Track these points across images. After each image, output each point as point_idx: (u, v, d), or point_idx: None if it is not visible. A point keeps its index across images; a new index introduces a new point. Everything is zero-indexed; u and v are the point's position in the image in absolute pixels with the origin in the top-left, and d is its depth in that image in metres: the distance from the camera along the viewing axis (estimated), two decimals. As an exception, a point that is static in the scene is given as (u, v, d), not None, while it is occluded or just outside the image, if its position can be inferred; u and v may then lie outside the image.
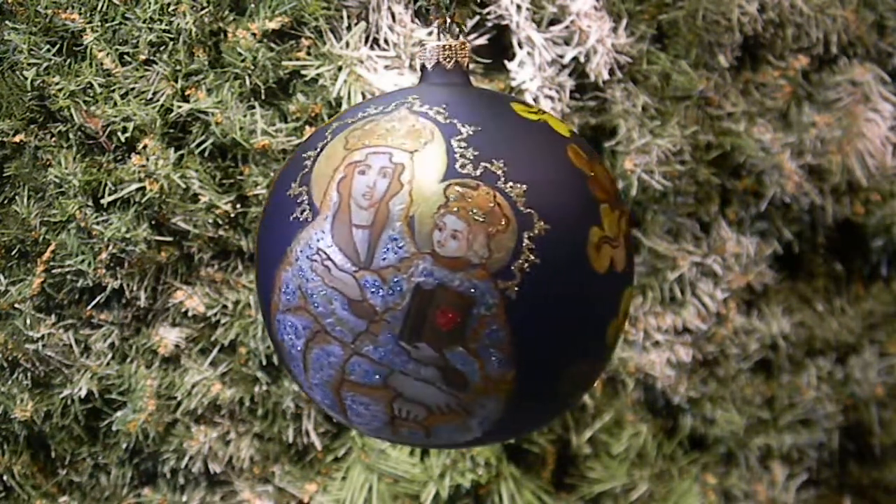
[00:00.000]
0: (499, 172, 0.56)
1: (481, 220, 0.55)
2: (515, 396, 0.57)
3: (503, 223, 0.55)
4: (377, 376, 0.57)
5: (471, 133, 0.57)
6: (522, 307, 0.55)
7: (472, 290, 0.54)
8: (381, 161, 0.57)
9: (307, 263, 0.57)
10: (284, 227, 0.58)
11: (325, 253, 0.56)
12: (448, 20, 0.63)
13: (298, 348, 0.58)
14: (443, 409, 0.58)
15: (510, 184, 0.55)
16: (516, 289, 0.55)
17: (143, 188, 0.79)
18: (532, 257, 0.55)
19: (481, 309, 0.55)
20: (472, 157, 0.56)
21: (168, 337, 0.83)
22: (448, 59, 0.63)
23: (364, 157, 0.57)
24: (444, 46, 0.63)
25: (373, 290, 0.55)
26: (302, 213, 0.58)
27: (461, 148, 0.57)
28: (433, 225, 0.55)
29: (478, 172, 0.56)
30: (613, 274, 0.57)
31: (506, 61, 0.82)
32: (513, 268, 0.54)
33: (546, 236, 0.55)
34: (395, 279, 0.55)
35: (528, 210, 0.55)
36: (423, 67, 0.64)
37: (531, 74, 0.81)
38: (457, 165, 0.56)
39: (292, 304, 0.58)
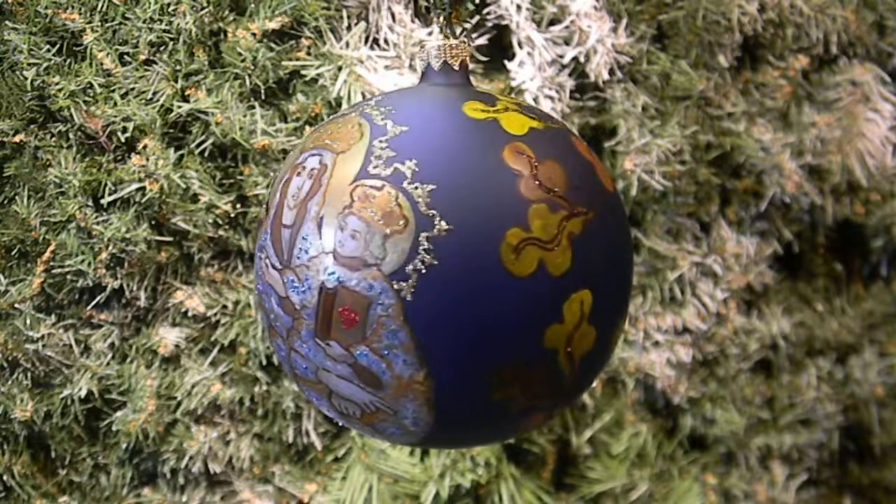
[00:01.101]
0: (408, 173, 0.55)
1: (379, 220, 0.55)
2: (439, 399, 0.57)
3: (401, 224, 0.54)
4: (310, 372, 0.59)
5: (396, 133, 0.57)
6: (420, 308, 0.54)
7: (369, 290, 0.55)
8: (313, 162, 0.59)
9: (258, 261, 0.61)
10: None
11: (266, 251, 0.59)
12: (447, 19, 0.63)
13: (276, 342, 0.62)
14: (370, 407, 0.58)
15: (416, 185, 0.55)
16: (412, 290, 0.54)
17: (143, 188, 0.79)
18: (429, 258, 0.54)
19: (378, 309, 0.55)
20: (385, 158, 0.56)
21: (168, 337, 0.83)
22: (447, 59, 0.63)
23: (304, 158, 0.59)
24: (442, 46, 0.63)
25: (292, 288, 0.57)
26: (262, 213, 0.61)
27: (380, 149, 0.57)
28: (337, 225, 0.56)
29: (387, 173, 0.56)
30: (545, 278, 0.54)
31: (506, 61, 0.82)
32: (407, 269, 0.54)
33: (446, 237, 0.54)
34: (306, 278, 0.56)
35: (431, 211, 0.54)
36: (423, 67, 0.64)
37: (531, 74, 0.81)
38: (370, 166, 0.56)
39: (260, 300, 0.62)
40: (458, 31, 0.64)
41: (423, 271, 0.54)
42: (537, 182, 0.55)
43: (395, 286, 0.54)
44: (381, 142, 0.57)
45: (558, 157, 0.57)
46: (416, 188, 0.55)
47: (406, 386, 0.56)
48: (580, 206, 0.56)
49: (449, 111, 0.59)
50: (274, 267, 0.58)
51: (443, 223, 0.54)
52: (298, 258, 0.57)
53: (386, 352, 0.56)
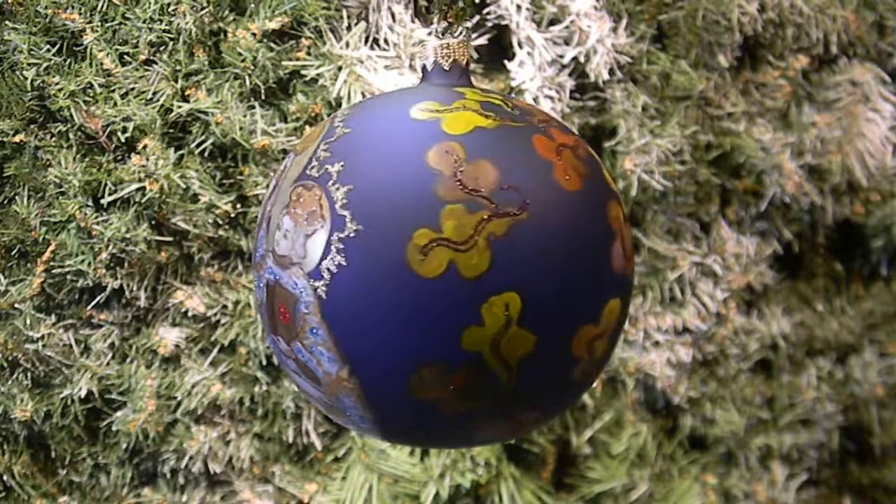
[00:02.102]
0: (334, 174, 0.56)
1: (304, 220, 0.56)
2: (369, 397, 0.57)
3: (319, 224, 0.56)
4: (283, 365, 0.61)
5: (339, 135, 0.58)
6: (335, 307, 0.55)
7: (295, 288, 0.56)
8: (284, 164, 0.61)
9: None
10: None
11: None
12: (443, 18, 0.63)
13: None
14: (324, 402, 0.60)
15: (337, 185, 0.56)
16: (325, 289, 0.55)
17: (143, 188, 0.79)
18: (339, 258, 0.55)
19: (302, 307, 0.56)
20: (322, 160, 0.57)
21: (168, 337, 0.83)
22: (445, 58, 0.63)
23: (286, 160, 0.62)
24: (441, 46, 0.63)
25: (256, 286, 0.61)
26: None
27: (322, 150, 0.58)
28: (276, 224, 0.58)
29: (318, 174, 0.57)
30: (456, 279, 0.53)
31: (506, 61, 0.82)
32: (321, 268, 0.55)
33: (356, 238, 0.54)
34: (259, 276, 0.59)
35: (345, 212, 0.55)
36: (423, 67, 0.64)
37: (531, 74, 0.81)
38: (309, 168, 0.58)
39: None
40: (456, 30, 0.64)
41: (335, 271, 0.55)
42: (458, 182, 0.54)
43: (313, 285, 0.56)
44: (325, 144, 0.58)
45: (497, 156, 0.55)
46: (337, 189, 0.56)
47: (337, 383, 0.57)
48: (509, 207, 0.54)
49: (398, 112, 0.59)
50: (252, 265, 0.61)
51: (353, 224, 0.55)
52: (257, 257, 0.60)
53: (313, 348, 0.57)
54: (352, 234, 0.55)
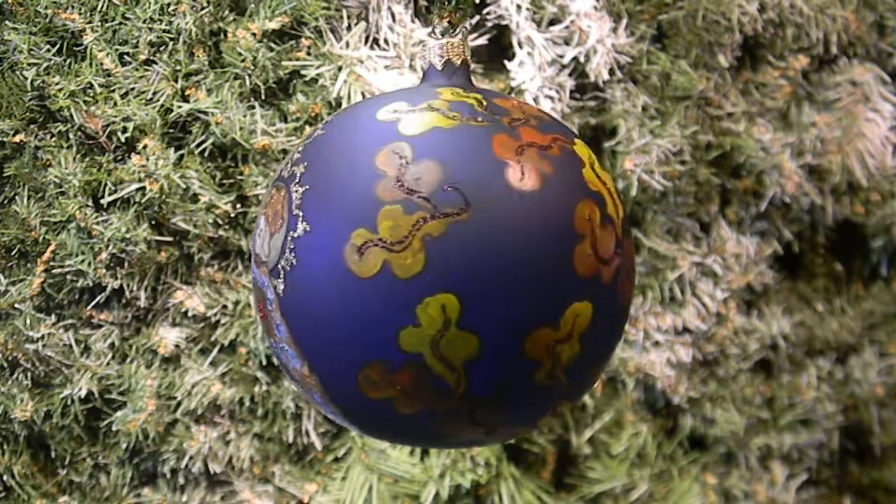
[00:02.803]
0: (298, 175, 0.58)
1: (270, 219, 0.58)
2: (331, 393, 0.58)
3: (279, 224, 0.57)
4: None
5: (314, 137, 0.60)
6: (290, 304, 0.57)
7: (263, 286, 0.58)
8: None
9: None
10: None
11: None
12: (440, 17, 0.63)
13: None
14: (304, 395, 0.62)
15: (297, 186, 0.57)
16: (282, 287, 0.57)
17: (143, 188, 0.79)
18: (292, 258, 0.56)
19: (268, 304, 0.58)
20: (294, 160, 0.59)
21: (168, 337, 0.83)
22: (444, 58, 0.63)
23: None
24: (440, 46, 0.63)
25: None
26: None
27: (297, 151, 0.60)
28: (256, 225, 0.61)
29: (287, 175, 0.58)
30: (390, 280, 0.54)
31: (506, 61, 0.82)
32: (278, 266, 0.57)
33: (304, 237, 0.56)
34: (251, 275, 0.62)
35: (299, 212, 0.56)
36: (428, 66, 0.64)
37: (531, 74, 0.81)
38: (284, 169, 0.59)
39: None
40: (456, 30, 0.64)
41: (289, 269, 0.56)
42: (399, 183, 0.54)
43: (273, 282, 0.57)
44: (303, 145, 0.60)
45: (446, 157, 0.55)
46: (297, 189, 0.57)
47: (304, 378, 0.59)
48: (449, 208, 0.53)
49: (368, 113, 0.59)
50: None
51: (303, 223, 0.56)
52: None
53: (281, 344, 0.58)
54: (301, 234, 0.56)
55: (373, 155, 0.56)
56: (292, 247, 0.56)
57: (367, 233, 0.54)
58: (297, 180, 0.57)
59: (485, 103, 0.59)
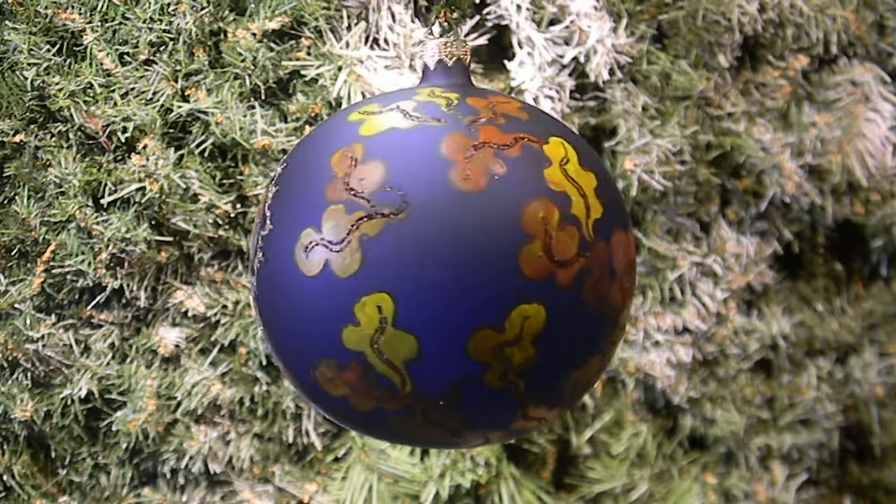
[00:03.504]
0: (276, 174, 0.60)
1: (257, 218, 0.61)
2: (300, 388, 0.60)
3: (258, 222, 0.60)
4: None
5: (302, 137, 0.62)
6: (260, 301, 0.60)
7: (250, 283, 0.61)
8: None
9: None
10: None
11: None
12: (439, 18, 0.63)
13: None
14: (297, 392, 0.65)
15: (272, 186, 0.59)
16: (255, 283, 0.59)
17: (143, 188, 0.79)
18: (261, 255, 0.59)
19: (252, 299, 0.62)
20: (282, 160, 0.61)
21: (168, 337, 0.83)
22: (443, 58, 0.62)
23: None
24: (437, 45, 0.62)
25: None
26: None
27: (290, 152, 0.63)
28: None
29: (274, 176, 0.61)
30: (332, 278, 0.54)
31: (506, 61, 0.82)
32: (254, 264, 0.59)
33: (269, 236, 0.58)
34: None
35: (268, 211, 0.58)
36: (424, 67, 0.64)
37: (531, 74, 0.81)
38: (277, 169, 0.61)
39: None
40: (453, 30, 0.64)
41: (258, 267, 0.59)
42: (345, 183, 0.55)
43: (250, 279, 0.60)
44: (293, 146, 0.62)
45: (392, 157, 0.56)
46: (271, 189, 0.59)
47: (284, 373, 0.61)
48: (387, 208, 0.54)
49: (344, 115, 0.60)
50: None
51: (270, 223, 0.58)
52: None
53: (264, 339, 0.61)
54: (267, 233, 0.58)
55: (330, 156, 0.57)
56: (261, 244, 0.58)
57: (313, 232, 0.55)
58: (274, 180, 0.59)
59: (455, 103, 0.58)
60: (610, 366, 0.89)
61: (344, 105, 0.79)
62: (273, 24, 0.78)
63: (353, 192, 0.55)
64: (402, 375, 0.55)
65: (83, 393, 0.82)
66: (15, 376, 0.82)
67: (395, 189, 0.54)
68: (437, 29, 0.64)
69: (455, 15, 0.63)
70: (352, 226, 0.54)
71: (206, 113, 0.79)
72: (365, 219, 0.54)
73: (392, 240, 0.54)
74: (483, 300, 0.54)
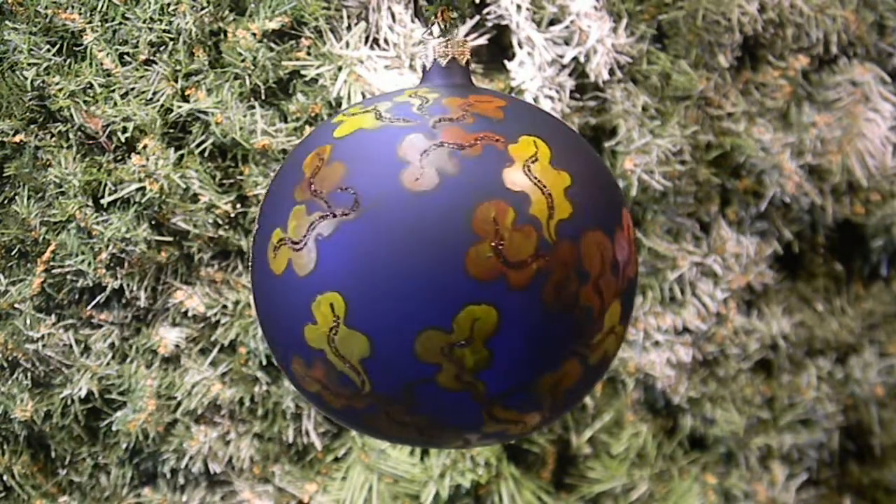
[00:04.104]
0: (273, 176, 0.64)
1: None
2: (290, 382, 0.63)
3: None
4: None
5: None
6: (254, 298, 0.62)
7: None
8: None
9: None
10: None
11: None
12: (436, 17, 0.63)
13: None
14: None
15: (268, 187, 0.62)
16: (251, 281, 0.62)
17: (143, 188, 0.79)
18: (251, 254, 0.61)
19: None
20: (280, 164, 0.64)
21: (168, 337, 0.83)
22: (443, 58, 0.62)
23: None
24: (432, 45, 0.62)
25: None
26: None
27: None
28: None
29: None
30: (292, 277, 0.56)
31: (506, 61, 0.82)
32: (249, 262, 0.61)
33: (255, 234, 0.60)
34: None
35: (259, 212, 0.61)
36: (423, 67, 0.64)
37: (531, 74, 0.81)
38: None
39: None
40: (449, 30, 0.64)
41: (250, 265, 0.61)
42: (310, 184, 0.56)
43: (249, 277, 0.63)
44: None
45: (352, 158, 0.56)
46: (267, 190, 0.61)
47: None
48: (340, 208, 0.55)
49: (333, 116, 0.61)
50: None
51: (257, 223, 0.60)
52: None
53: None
54: (255, 232, 0.60)
55: (304, 157, 0.58)
56: (252, 243, 0.61)
57: (281, 232, 0.57)
58: (272, 181, 0.62)
59: (429, 103, 0.58)
60: (608, 368, 0.89)
61: (343, 105, 0.79)
62: (273, 24, 0.78)
63: (314, 193, 0.56)
64: (360, 374, 0.56)
65: (83, 393, 0.82)
66: (15, 376, 0.82)
67: (349, 189, 0.55)
68: (436, 29, 0.64)
69: (454, 15, 0.62)
70: (309, 226, 0.55)
71: (206, 113, 0.79)
72: (320, 219, 0.55)
73: (343, 239, 0.54)
74: (429, 301, 0.54)
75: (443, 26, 0.63)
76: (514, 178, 0.55)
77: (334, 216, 0.55)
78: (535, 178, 0.56)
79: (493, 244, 0.53)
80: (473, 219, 0.54)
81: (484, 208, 0.54)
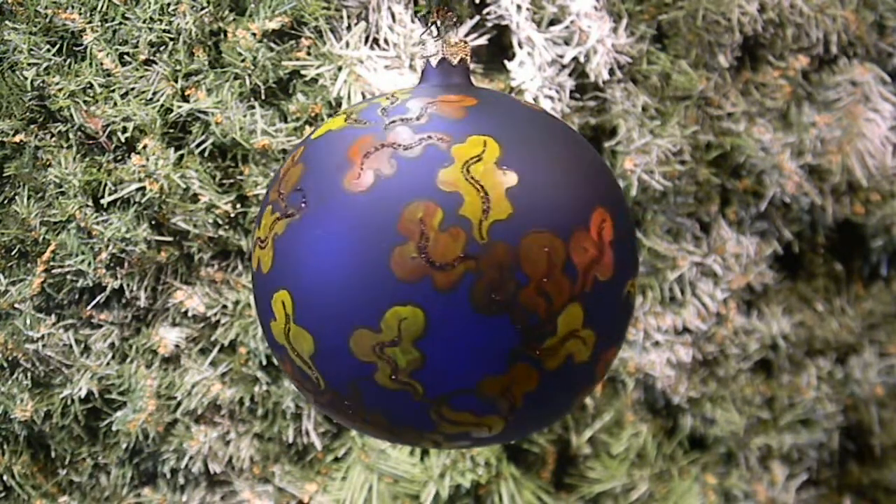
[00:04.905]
0: None
1: None
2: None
3: None
4: None
5: None
6: None
7: None
8: None
9: None
10: None
11: None
12: (432, 16, 0.63)
13: None
14: None
15: None
16: None
17: (143, 188, 0.79)
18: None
19: None
20: None
21: (168, 337, 0.83)
22: (441, 58, 0.62)
23: None
24: (437, 45, 0.62)
25: None
26: None
27: None
28: None
29: None
30: (260, 275, 0.58)
31: (506, 61, 0.82)
32: None
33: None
34: None
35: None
36: (426, 65, 0.64)
37: (531, 74, 0.81)
38: None
39: None
40: (447, 30, 0.64)
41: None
42: (279, 184, 0.58)
43: None
44: None
45: (311, 159, 0.58)
46: None
47: None
48: (292, 209, 0.56)
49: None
50: None
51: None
52: None
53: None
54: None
55: (293, 156, 0.60)
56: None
57: (258, 231, 0.59)
58: None
59: (396, 103, 0.59)
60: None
61: (343, 105, 0.79)
62: (273, 24, 0.78)
63: (279, 194, 0.58)
64: (312, 371, 0.57)
65: (83, 393, 0.82)
66: (15, 376, 0.82)
67: (301, 191, 0.56)
68: (434, 29, 0.64)
69: (448, 14, 0.62)
70: (271, 225, 0.57)
71: (206, 113, 0.79)
72: (277, 219, 0.57)
73: (291, 238, 0.56)
74: (359, 301, 0.54)
75: (440, 26, 0.63)
76: (449, 178, 0.55)
77: (287, 216, 0.56)
78: (473, 178, 0.55)
79: (417, 245, 0.53)
80: (400, 219, 0.54)
81: (412, 209, 0.54)
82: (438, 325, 0.54)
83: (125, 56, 0.79)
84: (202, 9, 0.78)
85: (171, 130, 0.80)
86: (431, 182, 0.55)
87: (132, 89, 0.79)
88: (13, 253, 0.81)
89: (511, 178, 0.55)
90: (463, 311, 0.54)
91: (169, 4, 0.77)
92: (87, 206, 0.79)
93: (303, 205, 0.56)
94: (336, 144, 0.58)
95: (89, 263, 0.80)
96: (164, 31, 0.78)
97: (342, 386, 0.57)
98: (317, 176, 0.57)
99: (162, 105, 0.79)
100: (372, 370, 0.55)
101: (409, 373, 0.55)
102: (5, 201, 0.81)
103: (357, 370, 0.55)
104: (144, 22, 0.78)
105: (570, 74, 0.83)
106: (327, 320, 0.55)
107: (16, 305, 0.80)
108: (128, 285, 0.82)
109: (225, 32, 0.79)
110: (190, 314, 0.83)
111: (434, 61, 0.62)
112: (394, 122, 0.57)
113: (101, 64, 0.78)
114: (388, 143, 0.56)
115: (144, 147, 0.79)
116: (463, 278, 0.54)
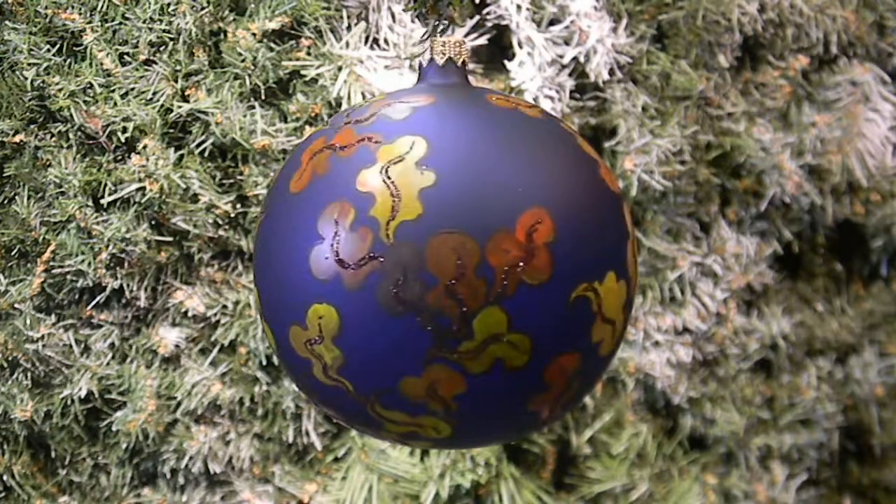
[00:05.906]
0: None
1: None
2: None
3: None
4: None
5: None
6: None
7: None
8: None
9: None
10: None
11: None
12: (426, 15, 0.63)
13: None
14: None
15: None
16: None
17: (143, 188, 0.79)
18: None
19: None
20: None
21: (168, 337, 0.83)
22: (439, 57, 0.62)
23: None
24: (437, 44, 0.62)
25: None
26: None
27: None
28: None
29: None
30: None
31: (506, 61, 0.82)
32: None
33: None
34: None
35: None
36: (419, 66, 0.64)
37: (531, 74, 0.81)
38: None
39: None
40: (444, 30, 0.64)
41: None
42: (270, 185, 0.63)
43: None
44: None
45: (289, 160, 0.60)
46: None
47: None
48: (264, 208, 0.60)
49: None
50: None
51: None
52: None
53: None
54: None
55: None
56: None
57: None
58: None
59: (363, 105, 0.60)
60: (611, 366, 0.89)
61: (343, 105, 0.79)
62: (273, 24, 0.78)
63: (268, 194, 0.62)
64: (279, 363, 0.61)
65: (83, 393, 0.82)
66: (15, 376, 0.82)
67: (269, 191, 0.60)
68: (427, 28, 0.64)
69: (444, 14, 0.62)
70: (257, 222, 0.61)
71: (206, 113, 0.79)
72: (257, 217, 0.61)
73: (258, 236, 0.60)
74: (289, 298, 0.57)
75: (437, 25, 0.62)
76: (368, 178, 0.55)
77: (262, 214, 0.60)
78: (389, 178, 0.55)
79: (331, 244, 0.54)
80: (318, 220, 0.55)
81: (330, 209, 0.55)
82: (351, 324, 0.55)
83: (125, 56, 0.79)
84: (202, 9, 0.78)
85: (171, 130, 0.80)
86: (352, 183, 0.55)
87: (132, 89, 0.79)
88: (13, 253, 0.81)
89: (427, 179, 0.54)
90: (372, 311, 0.54)
91: (169, 4, 0.77)
92: (87, 206, 0.79)
93: (266, 205, 0.59)
94: (301, 146, 0.60)
95: (89, 263, 0.80)
96: (164, 31, 0.78)
97: (298, 380, 0.60)
98: (281, 177, 0.59)
99: (162, 105, 0.79)
100: (309, 365, 0.57)
101: (336, 369, 0.56)
102: (5, 201, 0.81)
103: (301, 366, 0.58)
104: (144, 22, 0.78)
105: (570, 74, 0.83)
106: (275, 317, 0.58)
107: (16, 305, 0.80)
108: (128, 285, 0.82)
109: (225, 32, 0.79)
110: (190, 314, 0.83)
111: (424, 61, 0.62)
112: (347, 123, 0.58)
113: (101, 64, 0.78)
114: (330, 145, 0.57)
115: (144, 147, 0.79)
116: (368, 278, 0.54)
